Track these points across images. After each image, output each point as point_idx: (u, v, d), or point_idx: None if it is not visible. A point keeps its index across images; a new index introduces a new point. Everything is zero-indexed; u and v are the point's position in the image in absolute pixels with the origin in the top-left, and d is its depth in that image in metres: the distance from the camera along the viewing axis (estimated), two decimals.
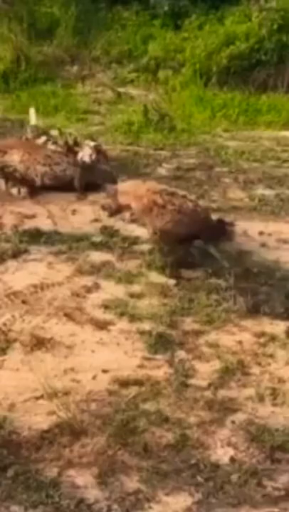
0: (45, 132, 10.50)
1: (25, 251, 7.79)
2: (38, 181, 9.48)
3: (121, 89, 14.31)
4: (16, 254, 7.66)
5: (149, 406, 5.23)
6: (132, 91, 14.33)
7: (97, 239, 8.25)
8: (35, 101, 13.35)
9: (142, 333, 6.21)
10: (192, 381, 5.59)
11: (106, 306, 6.64)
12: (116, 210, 8.19)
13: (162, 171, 10.76)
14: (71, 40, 15.25)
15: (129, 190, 7.93)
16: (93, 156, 9.98)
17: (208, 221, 7.52)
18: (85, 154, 9.98)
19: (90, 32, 15.53)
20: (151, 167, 10.82)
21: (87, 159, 9.93)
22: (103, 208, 8.44)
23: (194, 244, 7.53)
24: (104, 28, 15.66)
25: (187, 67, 14.41)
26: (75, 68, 14.95)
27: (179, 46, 14.84)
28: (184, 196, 7.63)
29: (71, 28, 15.34)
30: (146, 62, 14.83)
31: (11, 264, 7.42)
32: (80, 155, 9.96)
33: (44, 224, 8.61)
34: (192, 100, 13.71)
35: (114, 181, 9.16)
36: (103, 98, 14.03)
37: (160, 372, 5.68)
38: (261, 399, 5.40)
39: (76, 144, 10.19)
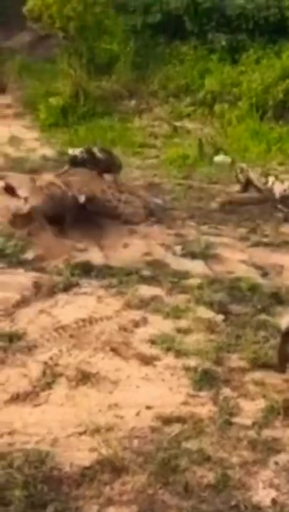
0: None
1: (76, 284, 7.88)
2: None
3: (177, 123, 14.43)
4: (66, 288, 7.75)
5: (191, 444, 5.21)
6: (188, 125, 14.43)
7: (147, 273, 8.30)
8: (92, 135, 13.61)
9: (187, 369, 6.20)
10: (236, 419, 5.55)
11: (153, 341, 6.66)
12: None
13: (215, 204, 10.78)
14: (129, 74, 15.48)
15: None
16: None
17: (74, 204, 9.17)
18: None
19: (148, 67, 15.75)
20: (205, 201, 10.87)
21: None
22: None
23: None
24: (163, 63, 15.85)
25: (243, 101, 14.47)
26: (133, 102, 15.15)
27: (236, 80, 14.92)
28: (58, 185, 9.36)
29: (130, 63, 15.58)
30: (202, 96, 14.94)
31: (61, 297, 7.51)
32: None
33: (95, 257, 8.72)
34: (248, 134, 13.74)
35: None
36: (159, 132, 14.17)
37: (204, 409, 5.66)
38: None
39: None
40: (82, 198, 9.28)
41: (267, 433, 5.40)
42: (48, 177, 10.05)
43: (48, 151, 12.82)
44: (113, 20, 16.00)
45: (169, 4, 15.68)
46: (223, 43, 15.56)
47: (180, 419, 5.48)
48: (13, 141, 13.12)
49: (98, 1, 15.36)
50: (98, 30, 15.54)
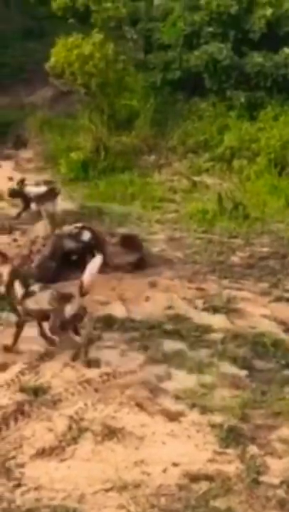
0: None
1: (99, 338, 7.88)
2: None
3: (196, 178, 14.57)
4: (89, 342, 7.75)
5: (219, 503, 5.14)
6: (207, 180, 14.56)
7: (169, 327, 8.30)
8: (112, 189, 13.76)
9: (213, 425, 6.16)
10: (264, 478, 5.49)
11: (177, 397, 6.63)
12: None
13: (235, 258, 10.82)
14: (149, 130, 15.68)
15: None
16: None
17: None
18: None
19: (168, 123, 15.96)
20: (225, 255, 10.91)
21: None
22: None
23: None
24: (182, 119, 16.07)
25: (262, 156, 14.61)
26: (152, 157, 15.33)
27: (254, 136, 15.08)
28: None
29: (149, 118, 15.79)
30: (221, 152, 15.09)
31: None
32: None
33: (118, 311, 8.73)
34: (266, 189, 13.84)
35: None
36: (179, 187, 14.30)
37: (231, 467, 5.60)
38: None
39: None
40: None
41: None
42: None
43: (69, 205, 12.95)
44: (133, 77, 16.28)
45: (189, 62, 15.94)
46: (242, 99, 15.76)
47: (207, 477, 5.42)
48: None
49: (119, 58, 15.66)
50: (119, 86, 15.80)
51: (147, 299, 9.16)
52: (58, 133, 15.57)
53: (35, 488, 5.22)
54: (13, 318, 7.72)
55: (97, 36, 15.25)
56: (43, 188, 12.31)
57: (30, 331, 7.77)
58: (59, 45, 15.22)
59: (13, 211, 12.33)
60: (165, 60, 16.26)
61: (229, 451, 5.81)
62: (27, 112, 16.43)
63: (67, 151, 14.77)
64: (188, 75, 16.14)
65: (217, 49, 15.73)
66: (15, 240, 10.67)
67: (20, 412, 6.13)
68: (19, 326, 7.39)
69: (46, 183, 12.99)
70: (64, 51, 15.09)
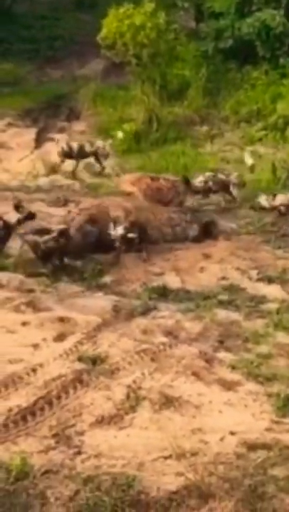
0: None
1: (154, 308, 7.94)
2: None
3: (249, 148, 14.41)
4: (145, 312, 7.82)
5: (278, 471, 5.16)
6: (260, 149, 14.39)
7: (224, 297, 8.31)
8: (165, 160, 13.71)
9: (269, 395, 6.17)
10: None
11: (233, 367, 6.65)
12: None
13: None
14: (201, 100, 15.54)
15: None
16: None
17: None
18: None
19: (220, 92, 15.79)
20: (279, 225, 10.83)
21: None
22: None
23: None
24: (234, 88, 15.87)
25: None
26: (205, 128, 15.20)
27: None
28: None
29: (201, 88, 15.64)
30: (274, 121, 14.87)
31: (140, 321, 7.56)
32: None
33: (172, 281, 8.77)
34: None
35: None
36: (231, 157, 14.17)
37: None
38: None
39: None
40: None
41: None
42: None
43: None
44: (185, 47, 16.13)
45: (241, 29, 15.70)
46: None
47: (265, 446, 5.45)
48: (88, 167, 13.32)
49: (171, 27, 15.52)
50: (170, 56, 15.68)
51: (202, 269, 9.18)
52: (110, 105, 15.53)
53: (95, 456, 5.32)
54: (69, 289, 7.86)
55: (148, 6, 15.11)
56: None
57: (86, 301, 7.89)
58: (110, 16, 15.14)
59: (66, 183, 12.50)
60: (217, 28, 16.03)
61: (286, 420, 5.82)
62: (79, 84, 16.40)
63: (120, 123, 14.74)
64: (241, 43, 15.91)
65: (270, 16, 15.46)
66: (69, 212, 10.78)
67: (78, 381, 6.23)
68: None
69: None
70: (115, 22, 15.01)
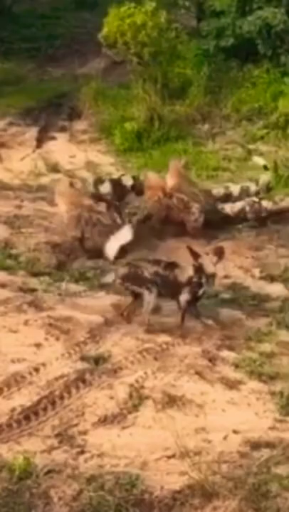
0: None
1: (157, 307, 7.91)
2: None
3: (251, 146, 14.40)
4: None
5: (281, 470, 5.16)
6: (262, 148, 14.38)
7: (227, 295, 8.30)
8: (167, 159, 13.69)
9: (272, 393, 6.17)
10: None
11: (236, 365, 6.65)
12: None
13: None
14: (202, 99, 15.49)
15: None
16: None
17: None
18: None
19: (221, 90, 15.76)
20: (281, 223, 10.80)
21: None
22: None
23: None
24: (235, 87, 15.84)
25: None
26: (206, 126, 15.18)
27: None
28: None
29: (203, 87, 15.60)
30: (276, 119, 14.84)
31: (143, 319, 7.54)
32: None
33: None
34: None
35: None
36: (233, 155, 14.15)
37: None
38: None
39: None
40: None
41: None
42: None
43: None
44: (186, 45, 16.09)
45: (242, 28, 15.66)
46: None
47: (269, 445, 5.44)
48: (90, 165, 13.32)
49: (172, 26, 15.50)
50: (172, 55, 15.65)
51: None
52: (112, 103, 15.50)
53: (98, 455, 5.32)
54: (72, 288, 7.85)
55: (149, 4, 15.08)
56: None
57: (88, 301, 7.88)
58: (111, 15, 15.11)
59: None
60: (218, 26, 15.97)
61: None
62: (80, 83, 16.37)
63: (121, 122, 14.72)
64: (242, 41, 15.86)
65: (271, 14, 15.40)
66: None
67: (81, 380, 6.23)
68: None
69: None
70: (116, 21, 14.99)
